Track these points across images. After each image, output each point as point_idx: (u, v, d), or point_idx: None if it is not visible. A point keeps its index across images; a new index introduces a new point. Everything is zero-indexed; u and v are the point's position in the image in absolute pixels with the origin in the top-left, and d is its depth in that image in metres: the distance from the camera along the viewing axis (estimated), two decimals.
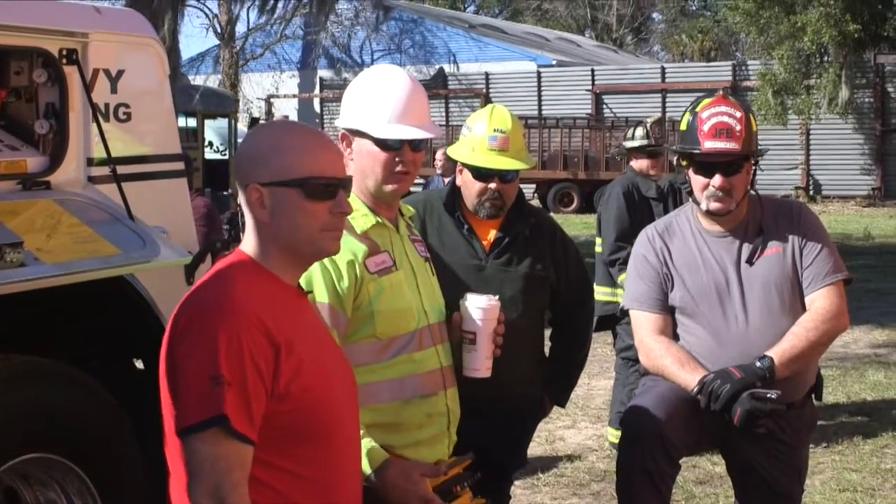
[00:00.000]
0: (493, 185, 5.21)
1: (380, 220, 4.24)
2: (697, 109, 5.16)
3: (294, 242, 3.25)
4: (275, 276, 3.26)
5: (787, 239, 5.15)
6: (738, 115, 5.07)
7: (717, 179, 5.08)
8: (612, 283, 8.74)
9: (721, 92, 5.27)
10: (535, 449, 8.23)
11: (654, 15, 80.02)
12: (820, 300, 5.09)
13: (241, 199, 3.27)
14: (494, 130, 5.20)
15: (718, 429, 5.04)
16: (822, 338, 5.07)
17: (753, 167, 5.16)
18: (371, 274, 4.14)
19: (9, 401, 4.33)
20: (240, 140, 26.70)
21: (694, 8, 76.27)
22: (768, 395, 4.83)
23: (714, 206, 5.12)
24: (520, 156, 5.22)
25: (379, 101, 4.23)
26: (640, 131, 9.23)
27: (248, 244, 3.28)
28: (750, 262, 5.13)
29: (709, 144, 5.08)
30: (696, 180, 5.15)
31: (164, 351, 3.13)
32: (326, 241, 3.28)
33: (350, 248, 4.06)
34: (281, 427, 3.12)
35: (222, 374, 3.00)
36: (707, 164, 5.10)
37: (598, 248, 9.10)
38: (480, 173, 5.22)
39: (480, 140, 5.20)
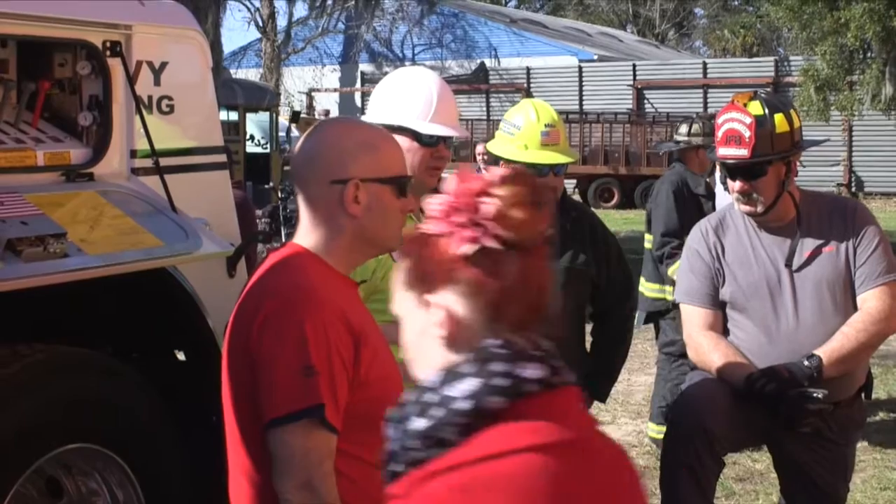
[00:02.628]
0: (554, 183, 5.22)
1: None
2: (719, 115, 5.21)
3: (380, 238, 3.30)
4: (334, 268, 3.26)
5: (841, 237, 5.11)
6: (748, 120, 5.02)
7: (736, 184, 5.09)
8: (661, 279, 8.75)
9: (736, 97, 5.22)
10: None
11: (697, 10, 79.72)
12: (871, 300, 5.05)
13: (315, 194, 3.25)
14: (546, 125, 5.20)
15: (764, 426, 5.02)
16: (871, 339, 5.03)
17: (785, 166, 5.11)
18: (395, 262, 4.17)
19: (52, 391, 4.35)
20: (281, 134, 26.76)
21: (736, 3, 75.90)
22: (815, 395, 4.80)
23: (742, 208, 5.13)
24: (567, 147, 5.24)
25: (419, 99, 4.28)
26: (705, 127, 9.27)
27: (310, 238, 3.26)
28: (802, 259, 5.10)
29: (721, 151, 5.12)
30: (728, 183, 5.18)
31: (235, 344, 3.15)
32: (400, 238, 3.28)
33: None
34: (356, 415, 3.12)
35: (313, 365, 3.02)
36: (730, 170, 5.12)
37: (647, 245, 9.09)
38: (535, 170, 5.20)
39: (532, 136, 5.19)
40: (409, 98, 4.29)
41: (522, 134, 5.22)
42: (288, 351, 3.03)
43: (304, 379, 3.01)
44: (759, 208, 5.09)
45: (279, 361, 3.03)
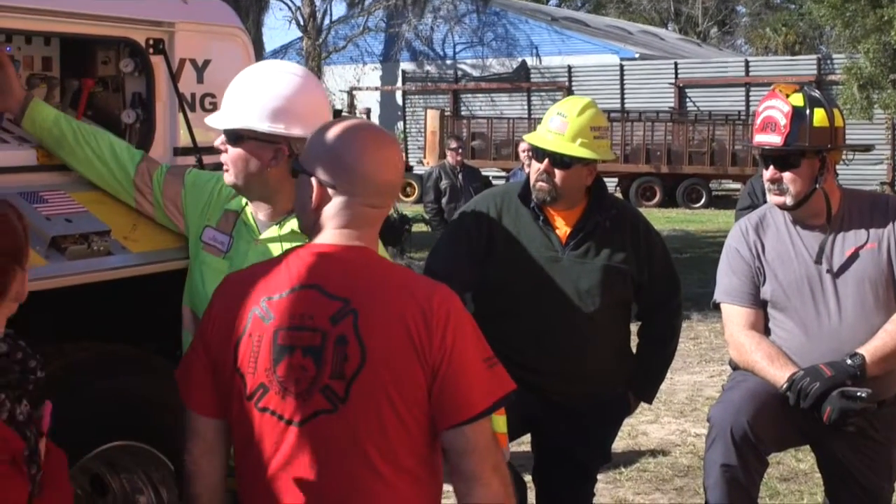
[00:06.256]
0: (541, 166, 5.19)
1: (244, 208, 4.29)
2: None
3: None
4: None
5: (881, 234, 5.08)
6: (786, 109, 5.03)
7: (768, 172, 5.09)
8: None
9: (779, 86, 5.21)
10: (618, 444, 8.17)
11: (739, 7, 79.48)
12: None
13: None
14: (557, 113, 5.21)
15: (808, 426, 4.99)
16: None
17: (820, 162, 5.07)
18: (201, 241, 4.31)
19: (97, 389, 4.35)
20: None
21: (778, 1, 75.64)
22: (858, 394, 4.77)
23: (772, 198, 5.13)
24: (576, 142, 5.15)
25: None
26: None
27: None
28: (844, 257, 5.07)
29: (757, 138, 5.14)
30: (763, 172, 5.19)
31: (385, 352, 3.15)
32: None
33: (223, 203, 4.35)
34: None
35: (490, 355, 3.23)
36: (763, 157, 5.13)
37: None
38: (536, 153, 5.26)
39: (544, 121, 5.22)
40: None
41: (544, 119, 5.28)
42: (473, 344, 3.20)
43: (491, 370, 3.21)
44: (789, 200, 5.07)
45: (468, 359, 3.18)
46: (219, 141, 4.15)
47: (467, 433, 3.16)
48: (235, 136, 4.08)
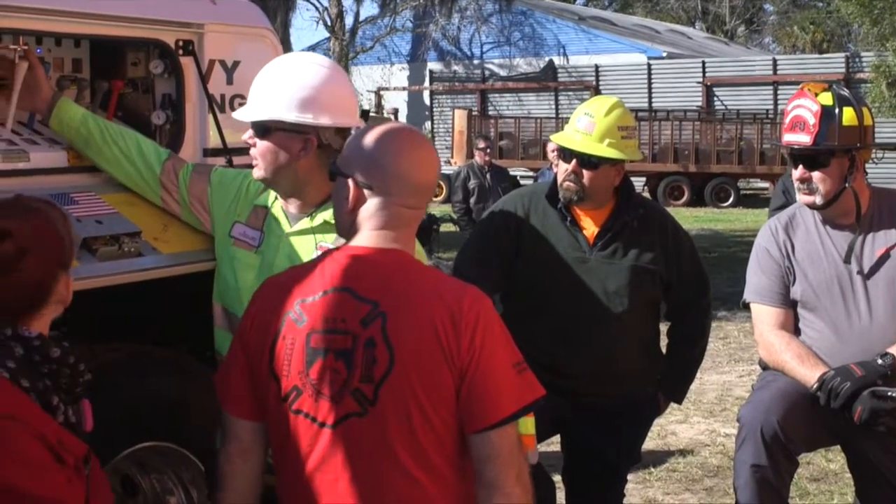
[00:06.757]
0: (569, 166, 5.17)
1: (273, 203, 4.28)
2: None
3: None
4: None
5: None
6: (815, 108, 5.01)
7: (797, 171, 5.08)
8: None
9: (808, 85, 5.18)
10: (647, 443, 8.13)
11: (766, 6, 79.21)
12: None
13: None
14: (584, 113, 5.19)
15: (838, 426, 4.97)
16: None
17: (849, 161, 5.05)
18: (230, 237, 4.30)
19: (127, 389, 4.37)
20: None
21: None
22: (890, 394, 4.76)
23: (801, 198, 5.13)
24: (604, 142, 5.13)
25: None
26: None
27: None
28: (874, 257, 5.05)
29: (786, 137, 5.13)
30: (791, 171, 5.17)
31: (416, 356, 3.14)
32: None
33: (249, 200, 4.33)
34: None
35: (520, 360, 3.20)
36: (792, 157, 5.12)
37: None
38: (563, 153, 5.23)
39: (572, 121, 5.21)
40: None
41: (571, 119, 5.27)
42: (502, 348, 3.18)
43: (520, 375, 3.18)
44: (818, 200, 5.06)
45: (496, 364, 3.16)
46: (247, 135, 4.15)
47: (493, 438, 3.14)
48: (263, 129, 4.08)
